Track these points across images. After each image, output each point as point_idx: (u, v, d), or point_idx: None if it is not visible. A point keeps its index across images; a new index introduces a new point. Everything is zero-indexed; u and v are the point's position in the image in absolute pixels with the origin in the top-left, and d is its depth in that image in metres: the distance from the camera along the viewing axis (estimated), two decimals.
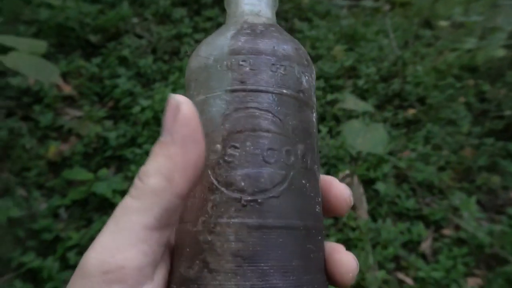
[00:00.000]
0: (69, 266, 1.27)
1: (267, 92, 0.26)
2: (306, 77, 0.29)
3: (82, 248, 1.31)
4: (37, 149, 1.52)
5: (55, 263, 1.22)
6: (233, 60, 0.26)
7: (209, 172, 0.25)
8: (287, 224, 0.24)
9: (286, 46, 0.28)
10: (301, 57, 0.30)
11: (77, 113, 1.72)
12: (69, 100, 1.77)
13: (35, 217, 1.34)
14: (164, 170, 0.22)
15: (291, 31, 2.45)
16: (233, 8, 0.31)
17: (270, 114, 0.25)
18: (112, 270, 0.21)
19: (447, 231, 1.54)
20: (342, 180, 1.60)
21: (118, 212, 0.23)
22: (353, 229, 1.46)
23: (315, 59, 2.32)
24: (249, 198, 0.23)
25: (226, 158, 0.25)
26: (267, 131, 0.25)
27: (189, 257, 0.24)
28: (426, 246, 1.50)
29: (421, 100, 2.27)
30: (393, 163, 1.74)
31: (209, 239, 0.23)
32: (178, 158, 0.22)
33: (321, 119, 1.96)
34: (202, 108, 0.26)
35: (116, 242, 0.22)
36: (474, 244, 1.46)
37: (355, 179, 1.63)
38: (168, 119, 0.23)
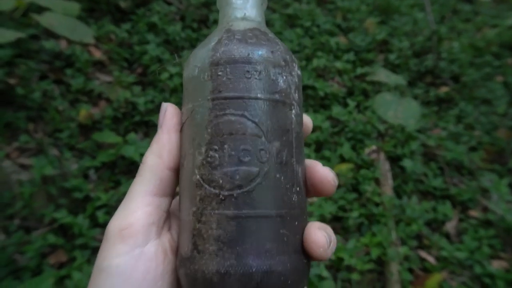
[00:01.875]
0: (98, 225, 1.32)
1: (242, 98, 0.29)
2: (284, 77, 0.32)
3: (110, 208, 1.36)
4: (69, 112, 1.55)
5: (85, 221, 1.27)
6: (213, 70, 0.30)
7: (196, 171, 0.29)
8: (260, 214, 0.28)
9: (261, 51, 0.31)
10: (276, 59, 0.32)
11: (107, 78, 1.75)
12: (99, 65, 1.80)
13: (67, 177, 1.39)
14: (156, 151, 0.30)
15: (322, 0, 2.37)
16: (221, 13, 0.35)
17: (245, 118, 0.29)
18: (125, 228, 0.27)
19: (474, 213, 1.50)
20: (368, 155, 1.58)
21: (129, 189, 0.30)
22: (377, 205, 1.45)
23: (345, 31, 2.25)
24: (226, 193, 0.28)
25: (208, 159, 0.29)
26: (243, 133, 0.29)
27: (185, 241, 0.29)
28: (451, 226, 1.47)
29: (455, 78, 2.18)
30: (422, 140, 1.70)
31: (197, 226, 0.28)
32: (165, 141, 0.30)
33: (349, 93, 1.92)
34: (190, 115, 0.31)
35: (127, 208, 0.28)
36: (502, 227, 1.42)
37: (382, 155, 1.60)
38: (160, 117, 0.32)
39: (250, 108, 0.29)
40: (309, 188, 0.33)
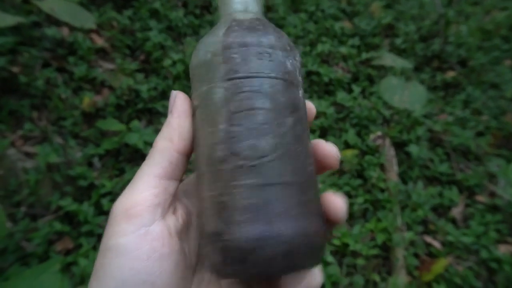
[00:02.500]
0: (103, 212, 1.33)
1: (257, 77, 0.31)
2: (290, 61, 0.34)
3: (115, 195, 1.36)
4: (72, 100, 1.55)
5: (90, 208, 1.28)
6: (227, 54, 0.32)
7: (218, 147, 0.30)
8: (284, 181, 0.30)
9: (269, 36, 0.34)
10: (283, 44, 0.35)
11: (110, 65, 1.73)
12: (102, 53, 1.78)
13: (71, 164, 1.39)
14: (166, 135, 0.31)
15: None
16: (223, 8, 0.37)
17: (261, 94, 0.31)
18: (131, 207, 0.27)
19: (481, 198, 1.49)
20: (373, 141, 1.56)
21: (137, 171, 0.30)
22: (382, 191, 1.44)
23: (350, 15, 2.21)
24: (250, 163, 0.29)
25: (230, 134, 0.30)
26: (261, 108, 0.31)
27: (209, 216, 0.30)
28: (457, 211, 1.46)
29: (462, 63, 2.14)
30: (428, 126, 1.68)
31: (224, 199, 0.29)
32: (176, 125, 0.31)
33: (354, 79, 1.89)
34: (206, 96, 0.32)
35: (134, 188, 0.29)
36: (510, 212, 1.41)
37: (387, 141, 1.59)
38: (169, 104, 0.32)
39: (265, 85, 0.32)
40: (316, 164, 0.34)
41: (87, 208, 1.28)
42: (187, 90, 1.48)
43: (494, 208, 1.45)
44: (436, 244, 1.35)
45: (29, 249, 1.20)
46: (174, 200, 0.32)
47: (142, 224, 0.27)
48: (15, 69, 1.58)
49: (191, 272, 0.31)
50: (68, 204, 1.28)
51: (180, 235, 0.30)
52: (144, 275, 0.26)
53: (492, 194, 1.50)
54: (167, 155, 0.30)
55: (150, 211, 0.28)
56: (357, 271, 1.24)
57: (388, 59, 1.29)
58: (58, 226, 1.24)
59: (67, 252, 1.25)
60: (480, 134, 1.71)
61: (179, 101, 0.32)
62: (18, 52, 1.63)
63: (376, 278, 1.21)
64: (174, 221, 0.30)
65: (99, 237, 1.28)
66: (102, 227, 1.31)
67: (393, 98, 1.09)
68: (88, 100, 1.55)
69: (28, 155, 1.38)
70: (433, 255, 1.33)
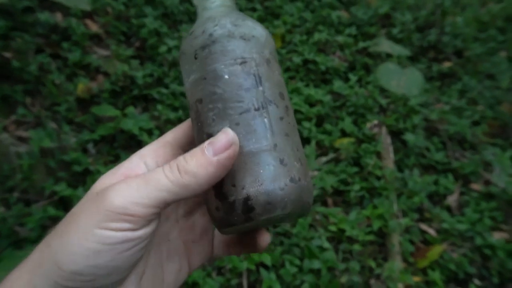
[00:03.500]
0: None
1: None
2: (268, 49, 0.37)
3: None
4: (66, 86, 1.53)
5: (85, 194, 1.27)
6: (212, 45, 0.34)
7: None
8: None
9: (249, 28, 0.36)
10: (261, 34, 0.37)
11: (104, 52, 1.71)
12: (96, 39, 1.76)
13: (66, 150, 1.37)
14: (199, 175, 0.29)
15: None
16: (201, 4, 0.37)
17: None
18: (130, 214, 0.28)
19: (476, 186, 1.50)
20: (370, 129, 1.56)
21: (150, 175, 0.29)
22: (378, 178, 1.44)
23: (347, 4, 2.20)
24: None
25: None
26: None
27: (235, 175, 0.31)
28: (452, 199, 1.47)
29: (459, 53, 2.14)
30: (424, 115, 1.68)
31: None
32: (212, 173, 0.29)
33: (351, 68, 1.89)
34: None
35: (139, 196, 0.28)
36: (504, 199, 1.42)
37: (383, 129, 1.59)
38: (220, 144, 0.29)
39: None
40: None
41: (81, 194, 1.26)
42: (181, 76, 1.47)
43: (489, 196, 1.46)
44: (431, 231, 1.36)
45: (23, 233, 1.19)
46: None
47: (132, 229, 0.28)
48: (7, 55, 1.55)
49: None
50: (62, 189, 1.27)
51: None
52: (115, 262, 0.28)
53: (487, 182, 1.51)
54: (185, 193, 0.29)
55: (143, 223, 0.28)
56: (353, 257, 1.24)
57: (385, 45, 1.29)
58: (52, 211, 1.22)
59: None
60: (476, 123, 1.72)
61: (231, 153, 0.30)
62: (11, 38, 1.60)
63: (372, 264, 1.21)
64: (153, 226, 0.30)
65: None
66: None
67: (390, 83, 1.08)
68: (82, 86, 1.53)
69: (22, 139, 1.37)
70: (428, 242, 1.33)
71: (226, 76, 0.32)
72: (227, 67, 0.32)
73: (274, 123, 0.32)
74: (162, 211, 0.30)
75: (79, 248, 0.27)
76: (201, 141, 0.31)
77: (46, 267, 0.28)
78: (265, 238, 0.35)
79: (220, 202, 0.31)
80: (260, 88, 0.32)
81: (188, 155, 0.30)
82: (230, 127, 0.31)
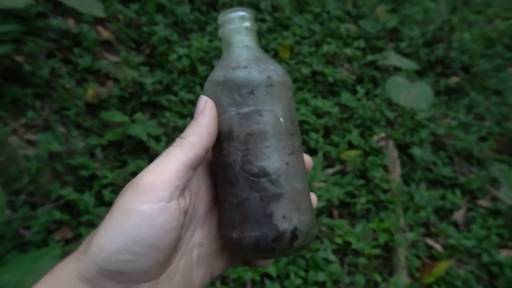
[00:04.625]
0: (104, 203, 1.32)
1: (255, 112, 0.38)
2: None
3: (116, 187, 1.35)
4: (76, 90, 1.54)
5: (91, 198, 1.27)
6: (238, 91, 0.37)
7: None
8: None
9: (270, 73, 0.39)
10: (282, 79, 0.41)
11: (114, 58, 1.73)
12: (107, 45, 1.78)
13: (73, 154, 1.38)
14: (196, 131, 0.35)
15: None
16: (227, 46, 0.40)
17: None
18: (156, 182, 0.31)
19: (483, 202, 1.49)
20: (377, 142, 1.56)
21: (164, 153, 0.34)
22: (385, 191, 1.43)
23: (356, 18, 2.22)
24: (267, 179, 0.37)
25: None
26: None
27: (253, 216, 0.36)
28: (459, 215, 1.46)
29: (466, 69, 2.15)
30: (431, 129, 1.68)
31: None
32: (206, 125, 0.36)
33: (359, 80, 1.89)
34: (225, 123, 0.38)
35: (162, 167, 0.33)
36: (511, 216, 1.41)
37: (390, 142, 1.58)
38: (199, 106, 0.37)
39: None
40: None
41: (88, 198, 1.26)
42: (191, 85, 1.47)
43: (496, 213, 1.44)
44: (438, 246, 1.35)
45: (28, 236, 1.19)
46: (187, 186, 0.37)
47: (163, 199, 0.31)
48: (19, 58, 1.57)
49: (179, 243, 0.36)
50: (68, 193, 1.27)
51: (185, 213, 0.35)
52: (153, 240, 0.30)
53: (494, 199, 1.50)
54: (196, 149, 0.34)
55: (171, 190, 0.32)
56: (359, 270, 1.23)
57: (394, 59, 1.29)
58: (57, 215, 1.22)
59: (66, 242, 1.23)
60: (482, 139, 1.71)
61: (209, 106, 0.36)
62: (23, 42, 1.62)
63: (378, 278, 1.20)
64: (183, 202, 0.34)
65: None
66: (103, 218, 1.29)
67: (399, 97, 1.08)
68: (92, 91, 1.55)
69: (30, 143, 1.37)
70: (434, 258, 1.32)
71: (281, 120, 0.36)
72: (282, 112, 0.37)
73: (303, 166, 0.39)
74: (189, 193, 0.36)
75: (119, 227, 0.30)
76: (249, 171, 0.36)
77: (90, 252, 0.30)
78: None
79: (266, 231, 0.35)
80: (296, 135, 0.38)
81: (184, 131, 0.36)
82: (282, 165, 0.36)
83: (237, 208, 0.36)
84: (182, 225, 0.33)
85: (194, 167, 0.34)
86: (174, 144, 0.35)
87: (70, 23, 1.76)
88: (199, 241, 0.38)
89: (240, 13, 0.39)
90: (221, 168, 0.37)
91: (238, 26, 0.39)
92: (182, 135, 0.35)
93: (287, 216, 0.35)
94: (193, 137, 0.35)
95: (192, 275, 0.37)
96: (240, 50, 0.39)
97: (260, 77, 0.36)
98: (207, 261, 0.39)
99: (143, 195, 0.31)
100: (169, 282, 0.34)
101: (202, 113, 0.36)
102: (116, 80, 1.65)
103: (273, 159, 0.35)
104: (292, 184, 0.36)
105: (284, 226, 0.35)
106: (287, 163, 0.36)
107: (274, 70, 0.38)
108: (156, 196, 0.31)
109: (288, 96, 0.38)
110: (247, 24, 0.40)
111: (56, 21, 1.69)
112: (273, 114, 0.36)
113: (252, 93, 0.36)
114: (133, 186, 0.32)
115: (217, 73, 0.38)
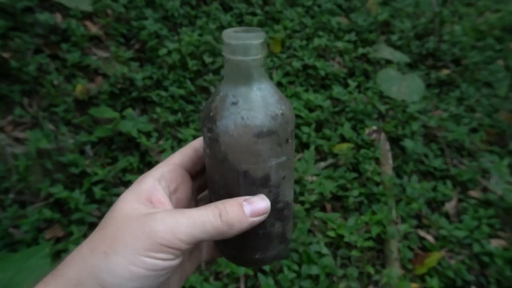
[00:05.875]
0: (95, 200, 1.30)
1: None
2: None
3: (107, 183, 1.34)
4: (65, 86, 1.52)
5: (82, 196, 1.25)
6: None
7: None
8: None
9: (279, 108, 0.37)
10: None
11: (104, 53, 1.71)
12: (96, 40, 1.75)
13: (63, 151, 1.36)
14: (231, 222, 0.33)
15: None
16: (249, 80, 0.35)
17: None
18: (169, 245, 0.31)
19: (474, 193, 1.50)
20: (368, 135, 1.56)
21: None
22: (377, 184, 1.44)
23: (347, 11, 2.21)
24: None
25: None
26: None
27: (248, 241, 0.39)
28: (450, 206, 1.47)
29: (457, 61, 2.16)
30: (423, 121, 1.68)
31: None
32: (242, 227, 0.34)
33: (350, 74, 1.89)
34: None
35: (179, 227, 0.32)
36: (502, 206, 1.42)
37: (382, 135, 1.59)
38: (258, 209, 0.35)
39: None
40: None
41: (78, 196, 1.25)
42: (182, 79, 1.45)
43: (486, 203, 1.46)
44: (430, 238, 1.36)
45: (18, 236, 1.17)
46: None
47: (170, 259, 0.32)
48: (6, 55, 1.54)
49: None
50: (58, 191, 1.25)
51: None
52: (145, 285, 0.31)
53: (485, 189, 1.51)
54: (214, 233, 0.33)
55: (179, 254, 0.32)
56: (352, 263, 1.23)
57: (385, 51, 1.29)
58: (47, 213, 1.21)
59: (57, 240, 1.22)
60: (473, 130, 1.72)
61: (261, 218, 0.36)
62: (10, 37, 1.59)
63: (371, 270, 1.20)
64: (182, 258, 0.34)
65: (90, 225, 1.26)
66: (94, 215, 1.28)
67: (391, 89, 1.08)
68: (81, 87, 1.53)
69: (18, 140, 1.35)
70: (426, 249, 1.33)
71: (294, 161, 0.42)
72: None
73: None
74: None
75: (127, 273, 0.30)
76: (279, 207, 0.38)
77: (87, 286, 0.29)
78: None
79: (283, 247, 0.41)
80: None
81: (228, 205, 0.34)
82: (292, 192, 0.40)
83: (262, 236, 0.38)
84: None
85: (205, 240, 0.34)
86: (209, 213, 0.33)
87: (58, 18, 1.73)
88: None
89: (259, 40, 0.33)
90: None
91: (260, 57, 0.34)
92: (221, 209, 0.34)
93: (291, 227, 0.42)
94: (223, 225, 0.33)
95: (169, 283, 0.38)
96: (266, 89, 0.35)
97: (293, 122, 0.37)
98: (180, 266, 0.39)
99: (156, 252, 0.31)
100: None
101: (251, 217, 0.34)
102: (105, 75, 1.62)
103: (291, 191, 0.39)
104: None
105: (291, 235, 0.43)
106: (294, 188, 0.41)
107: (291, 109, 0.37)
108: (168, 256, 0.31)
109: None
110: (265, 52, 0.34)
111: (43, 16, 1.66)
112: (293, 153, 0.38)
113: (288, 141, 0.36)
114: (148, 236, 0.31)
115: (254, 121, 0.33)
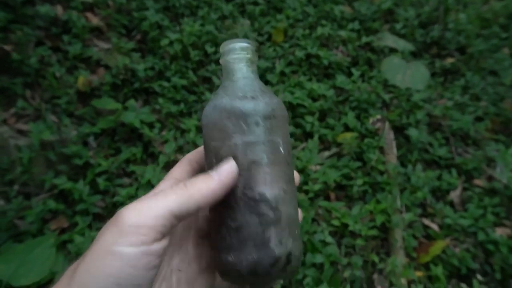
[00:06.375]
0: (99, 191, 1.31)
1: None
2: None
3: (110, 175, 1.34)
4: (67, 78, 1.51)
5: (86, 187, 1.25)
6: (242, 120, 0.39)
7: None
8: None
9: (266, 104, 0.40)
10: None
11: (105, 45, 1.70)
12: (97, 32, 1.74)
13: (66, 143, 1.36)
14: (203, 190, 0.34)
15: None
16: (231, 75, 0.41)
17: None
18: (141, 227, 0.31)
19: (479, 182, 1.49)
20: (373, 124, 1.55)
21: (158, 191, 0.34)
22: (381, 173, 1.43)
23: (350, 0, 2.19)
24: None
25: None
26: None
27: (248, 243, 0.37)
28: (455, 195, 1.46)
29: (461, 49, 2.13)
30: (427, 110, 1.67)
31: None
32: (215, 189, 0.34)
33: (354, 63, 1.87)
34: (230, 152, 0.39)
35: (149, 211, 0.32)
36: (507, 195, 1.41)
37: (386, 124, 1.58)
38: (223, 169, 0.35)
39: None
40: None
41: (82, 187, 1.25)
42: (184, 70, 1.44)
43: (492, 192, 1.45)
44: (434, 226, 1.35)
45: (23, 227, 1.18)
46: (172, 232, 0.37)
47: (146, 242, 0.31)
48: (7, 47, 1.53)
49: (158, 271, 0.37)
50: (62, 182, 1.26)
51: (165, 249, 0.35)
52: (136, 280, 0.31)
53: (490, 178, 1.50)
54: (190, 205, 0.33)
55: (154, 235, 0.31)
56: (356, 251, 1.23)
57: (389, 39, 1.27)
58: (52, 204, 1.21)
59: (62, 231, 1.23)
60: (478, 119, 1.71)
61: (232, 175, 0.36)
62: (11, 30, 1.58)
63: (375, 258, 1.20)
64: (165, 241, 0.34)
65: (95, 216, 1.26)
66: (98, 206, 1.28)
67: (395, 77, 1.07)
68: (83, 79, 1.52)
69: (21, 132, 1.35)
70: (431, 238, 1.33)
71: (282, 150, 0.38)
72: (283, 144, 0.38)
73: (296, 193, 0.41)
74: (173, 230, 0.34)
75: (101, 269, 0.30)
76: (250, 196, 0.37)
77: None
78: None
79: (263, 255, 0.36)
80: (291, 165, 0.40)
81: (193, 177, 0.35)
82: (280, 192, 0.37)
83: (235, 232, 0.37)
84: (162, 258, 0.34)
85: (181, 219, 0.34)
86: (174, 187, 0.34)
87: (58, 10, 1.73)
88: (177, 266, 0.39)
89: (244, 44, 0.41)
90: None
91: (242, 56, 0.41)
92: (187, 183, 0.34)
93: (283, 241, 0.37)
94: (195, 193, 0.34)
95: None
96: (245, 80, 0.40)
97: (266, 109, 0.38)
98: (187, 284, 0.39)
99: (126, 237, 0.31)
100: None
101: (221, 176, 0.35)
102: (107, 67, 1.62)
103: (273, 186, 0.37)
104: (288, 211, 0.38)
105: (280, 250, 0.37)
106: (284, 191, 0.38)
107: (277, 104, 0.40)
108: (139, 239, 0.31)
109: (286, 128, 0.40)
110: (250, 55, 0.41)
111: (43, 8, 1.65)
112: (275, 144, 0.38)
113: (258, 123, 0.38)
114: (116, 225, 0.31)
115: (223, 101, 0.38)
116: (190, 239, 0.41)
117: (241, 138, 0.37)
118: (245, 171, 0.37)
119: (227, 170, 0.35)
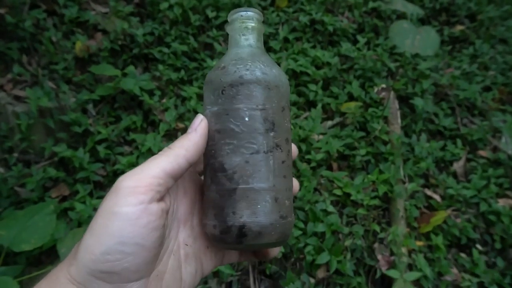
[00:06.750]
0: (99, 159, 1.30)
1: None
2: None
3: (111, 142, 1.32)
4: (64, 44, 1.47)
5: (86, 155, 1.24)
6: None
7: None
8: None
9: (271, 71, 0.40)
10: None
11: (102, 9, 1.63)
12: None
13: (65, 110, 1.34)
14: (186, 145, 0.37)
15: None
16: (235, 38, 0.42)
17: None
18: (138, 186, 0.33)
19: (483, 152, 1.47)
20: (377, 93, 1.51)
21: (148, 159, 0.36)
22: (385, 143, 1.41)
23: None
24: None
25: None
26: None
27: (230, 207, 0.38)
28: (458, 166, 1.45)
29: (472, 16, 2.06)
30: (434, 79, 1.62)
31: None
32: (195, 141, 0.37)
33: (360, 30, 1.81)
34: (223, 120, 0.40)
35: (144, 172, 0.34)
36: (511, 166, 1.39)
37: (391, 94, 1.54)
38: (195, 123, 0.39)
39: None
40: None
41: (82, 155, 1.24)
42: (184, 35, 1.38)
43: (496, 163, 1.43)
44: (436, 197, 1.35)
45: (24, 194, 1.18)
46: (167, 193, 0.39)
47: (144, 201, 0.33)
48: (1, 10, 1.48)
49: (163, 242, 0.38)
50: (62, 150, 1.24)
51: (167, 213, 0.37)
52: (138, 239, 0.32)
53: (495, 149, 1.48)
54: (180, 160, 0.36)
55: (152, 194, 0.33)
56: (358, 221, 1.23)
57: (398, 3, 1.22)
58: (52, 172, 1.20)
59: (63, 199, 1.23)
60: (486, 89, 1.67)
61: (203, 125, 0.38)
62: None
63: (376, 228, 1.20)
64: (164, 204, 0.36)
65: (95, 184, 1.25)
66: (98, 174, 1.27)
67: (404, 43, 1.03)
68: (80, 44, 1.47)
69: (18, 99, 1.32)
70: (433, 208, 1.32)
71: (247, 119, 0.37)
72: (249, 111, 0.37)
73: (277, 166, 0.37)
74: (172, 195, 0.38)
75: (104, 229, 0.32)
76: (212, 164, 0.38)
77: (79, 256, 0.32)
78: (276, 249, 0.44)
79: (218, 222, 0.37)
80: (271, 134, 0.37)
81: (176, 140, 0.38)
82: (240, 163, 0.36)
83: (205, 197, 0.39)
84: (165, 224, 0.36)
85: (175, 177, 0.36)
86: (161, 152, 0.37)
87: None
88: (184, 240, 0.41)
89: (243, 13, 0.41)
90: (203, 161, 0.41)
91: (238, 25, 0.41)
92: (171, 145, 0.37)
93: (237, 212, 0.36)
94: (180, 150, 0.37)
95: (181, 273, 0.39)
96: (233, 50, 0.41)
97: (230, 77, 0.38)
98: (195, 259, 0.41)
99: (124, 198, 0.32)
100: (159, 281, 0.36)
101: (195, 129, 0.38)
102: (105, 32, 1.57)
103: (232, 156, 0.37)
104: (249, 183, 0.36)
105: (232, 221, 0.36)
106: (247, 161, 0.37)
107: (256, 69, 0.38)
108: (137, 198, 0.32)
109: (265, 96, 0.38)
110: (250, 24, 0.41)
111: None
112: (238, 113, 0.37)
113: (221, 92, 0.38)
114: (115, 190, 0.33)
115: (209, 72, 0.40)
116: (195, 215, 0.42)
117: (210, 109, 0.39)
118: (211, 140, 0.38)
119: (197, 122, 0.38)
